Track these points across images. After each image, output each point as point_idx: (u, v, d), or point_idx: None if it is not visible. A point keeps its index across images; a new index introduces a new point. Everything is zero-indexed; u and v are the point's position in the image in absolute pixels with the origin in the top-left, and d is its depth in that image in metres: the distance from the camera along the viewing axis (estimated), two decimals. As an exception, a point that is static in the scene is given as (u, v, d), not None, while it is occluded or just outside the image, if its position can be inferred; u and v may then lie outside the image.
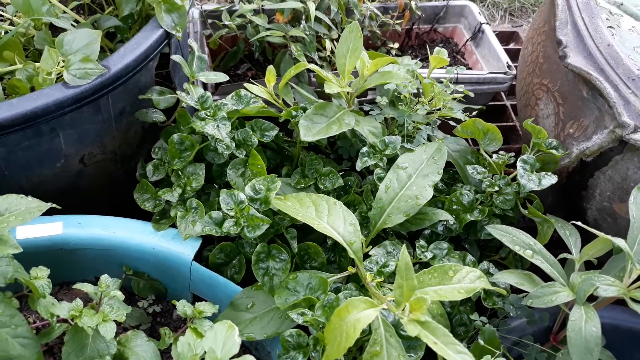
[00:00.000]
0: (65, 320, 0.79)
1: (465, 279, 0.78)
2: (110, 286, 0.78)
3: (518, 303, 0.95)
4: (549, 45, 1.18)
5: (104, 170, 1.07)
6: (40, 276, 0.76)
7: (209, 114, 0.93)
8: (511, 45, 1.82)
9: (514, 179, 1.06)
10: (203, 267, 0.92)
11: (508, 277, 0.92)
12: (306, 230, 1.01)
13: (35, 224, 0.91)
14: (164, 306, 0.99)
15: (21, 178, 0.95)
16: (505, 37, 1.85)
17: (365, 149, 1.03)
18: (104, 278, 0.78)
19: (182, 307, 0.81)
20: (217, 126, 0.90)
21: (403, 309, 0.71)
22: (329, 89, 0.99)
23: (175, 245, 0.94)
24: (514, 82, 1.42)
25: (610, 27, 1.16)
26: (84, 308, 0.73)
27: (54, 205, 0.74)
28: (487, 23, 1.55)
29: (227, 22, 1.26)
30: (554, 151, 1.04)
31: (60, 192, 1.03)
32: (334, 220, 0.87)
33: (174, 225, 0.96)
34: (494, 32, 1.61)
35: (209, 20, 1.37)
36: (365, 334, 0.81)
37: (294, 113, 1.04)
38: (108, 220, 0.94)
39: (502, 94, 1.66)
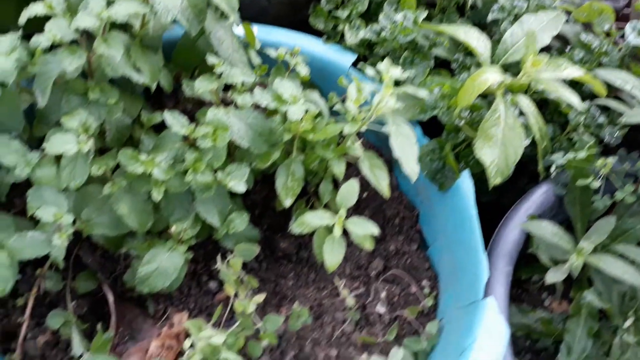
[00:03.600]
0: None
1: (574, 73, 0.99)
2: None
3: (614, 133, 1.14)
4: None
5: (283, 11, 1.37)
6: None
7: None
8: None
9: (621, 49, 1.25)
10: (357, 71, 1.19)
11: (607, 102, 1.11)
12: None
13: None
14: (320, 108, 1.26)
15: None
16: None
17: (496, 6, 1.26)
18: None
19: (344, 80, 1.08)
20: (385, -40, 1.18)
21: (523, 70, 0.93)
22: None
23: (338, 55, 1.21)
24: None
25: None
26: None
27: None
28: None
29: None
30: (660, 24, 1.22)
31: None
32: (470, 37, 1.11)
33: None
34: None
35: None
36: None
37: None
38: (290, 32, 1.23)
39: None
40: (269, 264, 1.10)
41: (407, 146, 0.85)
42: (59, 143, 0.75)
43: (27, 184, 1.00)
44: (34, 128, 0.88)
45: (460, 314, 0.97)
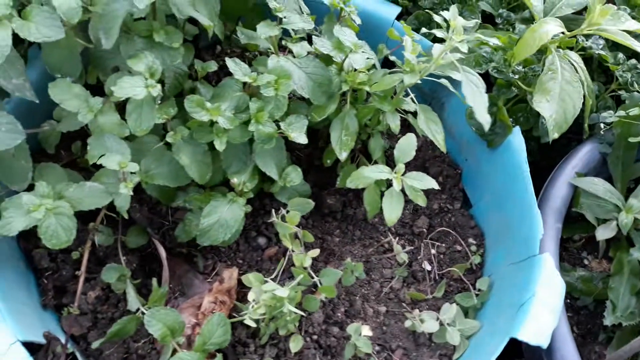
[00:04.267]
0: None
1: (634, 26, 0.97)
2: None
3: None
4: None
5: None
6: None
7: None
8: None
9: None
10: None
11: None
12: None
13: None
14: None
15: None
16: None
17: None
18: None
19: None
20: None
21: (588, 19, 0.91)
22: None
23: (382, 7, 1.18)
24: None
25: None
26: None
27: None
28: None
29: None
30: None
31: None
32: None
33: None
34: None
35: None
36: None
37: None
38: (331, -16, 1.19)
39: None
40: (315, 221, 1.09)
41: (478, 95, 0.83)
42: (128, 86, 0.72)
43: (74, 136, 0.98)
44: (88, 75, 0.84)
45: (513, 270, 0.97)
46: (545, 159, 1.22)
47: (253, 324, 0.81)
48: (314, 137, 1.13)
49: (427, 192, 1.14)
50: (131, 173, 0.77)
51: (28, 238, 0.93)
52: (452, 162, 1.19)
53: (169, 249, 1.00)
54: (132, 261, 0.96)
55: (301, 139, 0.85)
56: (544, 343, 0.83)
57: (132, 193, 0.79)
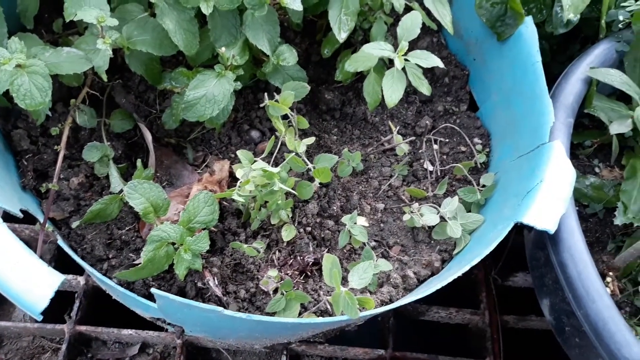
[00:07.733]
0: None
1: None
2: None
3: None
4: None
5: None
6: None
7: None
8: None
9: None
10: None
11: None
12: None
13: None
14: None
15: None
16: None
17: None
18: None
19: None
20: None
21: None
22: None
23: None
24: None
25: None
26: None
27: None
28: None
29: None
30: None
31: None
32: None
33: None
34: None
35: None
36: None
37: None
38: None
39: None
40: (311, 118, 1.04)
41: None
42: None
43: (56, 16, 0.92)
44: None
45: (521, 163, 0.92)
46: (557, 63, 1.15)
47: (241, 199, 0.77)
48: (311, 30, 1.07)
49: (432, 94, 1.09)
50: (110, 28, 0.72)
51: (7, 118, 0.89)
52: (459, 63, 1.12)
53: (157, 139, 0.95)
54: (117, 147, 0.91)
55: (295, 4, 0.79)
56: (551, 228, 0.78)
57: (111, 53, 0.73)
